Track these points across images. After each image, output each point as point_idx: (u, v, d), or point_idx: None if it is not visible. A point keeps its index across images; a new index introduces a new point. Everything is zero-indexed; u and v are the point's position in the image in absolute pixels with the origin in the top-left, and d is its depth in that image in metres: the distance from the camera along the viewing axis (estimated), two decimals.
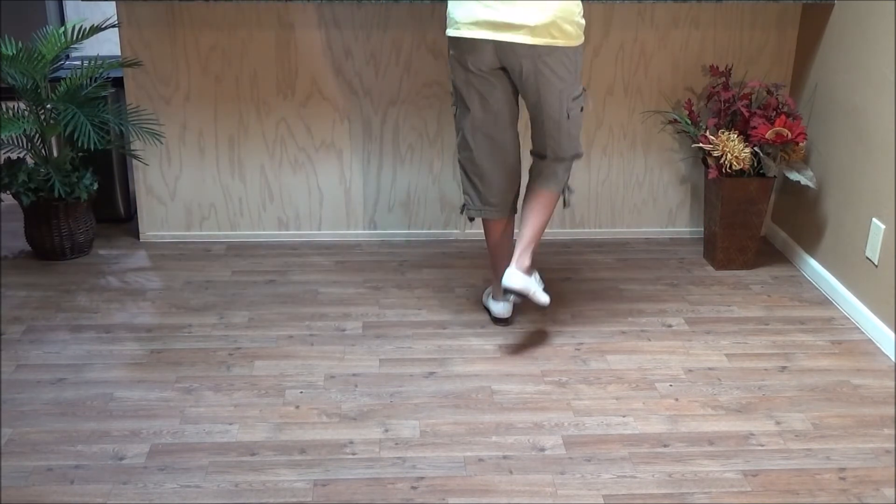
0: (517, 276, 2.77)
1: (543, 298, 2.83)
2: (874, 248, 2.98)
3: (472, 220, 3.02)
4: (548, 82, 2.68)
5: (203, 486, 2.21)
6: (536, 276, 3.02)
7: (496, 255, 3.00)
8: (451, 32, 2.69)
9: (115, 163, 3.77)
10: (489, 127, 2.81)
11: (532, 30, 2.59)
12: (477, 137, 2.83)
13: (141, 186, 3.62)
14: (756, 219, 3.40)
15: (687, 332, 3.01)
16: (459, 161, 2.93)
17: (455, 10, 2.67)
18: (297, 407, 2.55)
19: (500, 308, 3.01)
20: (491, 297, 3.07)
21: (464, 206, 2.99)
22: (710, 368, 2.79)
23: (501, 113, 2.80)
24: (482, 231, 3.73)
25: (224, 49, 3.45)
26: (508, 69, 2.70)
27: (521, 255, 2.81)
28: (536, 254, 2.99)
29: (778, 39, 3.55)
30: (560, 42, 2.63)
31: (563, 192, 2.92)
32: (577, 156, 2.89)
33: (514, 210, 2.98)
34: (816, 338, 3.00)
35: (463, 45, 2.68)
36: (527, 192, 2.92)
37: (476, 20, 2.62)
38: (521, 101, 2.85)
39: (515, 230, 3.08)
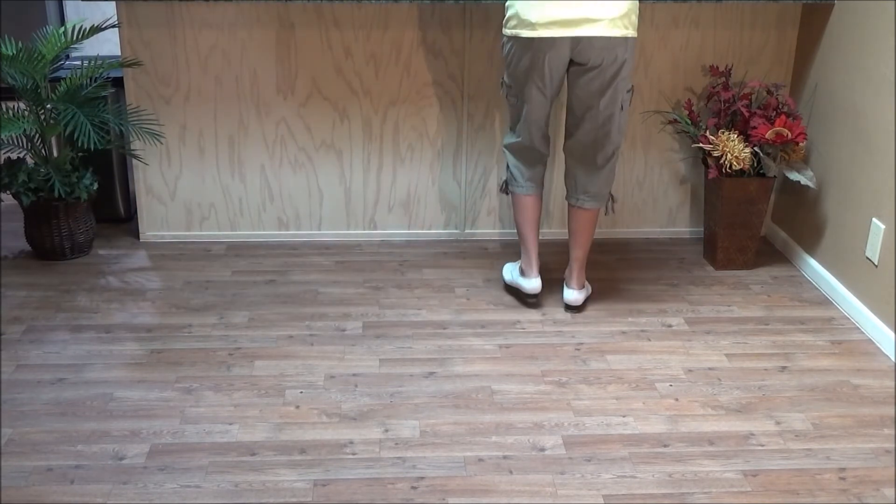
0: (580, 294, 3.12)
1: (589, 289, 3.23)
2: (874, 248, 2.98)
3: (508, 194, 3.15)
4: (616, 73, 2.80)
5: (203, 486, 2.21)
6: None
7: (529, 229, 3.10)
8: (524, 33, 2.74)
9: (115, 163, 3.77)
10: (541, 116, 2.94)
11: (611, 21, 2.72)
12: (531, 128, 2.96)
13: (141, 186, 3.62)
14: (756, 219, 3.40)
15: (687, 332, 3.01)
16: (508, 145, 3.07)
17: (528, 12, 2.72)
18: (297, 407, 2.55)
19: (534, 284, 3.10)
20: (520, 273, 3.14)
21: (505, 182, 3.14)
22: (710, 368, 2.79)
23: (552, 102, 2.92)
24: (482, 231, 3.74)
25: (224, 49, 3.45)
26: (580, 62, 2.79)
27: (580, 275, 3.12)
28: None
29: (778, 39, 3.55)
30: (630, 33, 2.76)
31: (607, 201, 3.12)
32: (617, 151, 3.00)
33: (543, 184, 3.13)
34: (816, 338, 3.00)
35: (538, 45, 2.75)
36: (573, 212, 3.08)
37: (553, 19, 2.70)
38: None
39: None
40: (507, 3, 2.80)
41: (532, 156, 3.04)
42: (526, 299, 3.16)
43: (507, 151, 3.10)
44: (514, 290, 3.23)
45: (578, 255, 3.09)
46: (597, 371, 2.76)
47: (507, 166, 3.12)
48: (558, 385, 2.68)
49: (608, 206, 3.13)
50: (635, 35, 2.78)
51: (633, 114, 3.61)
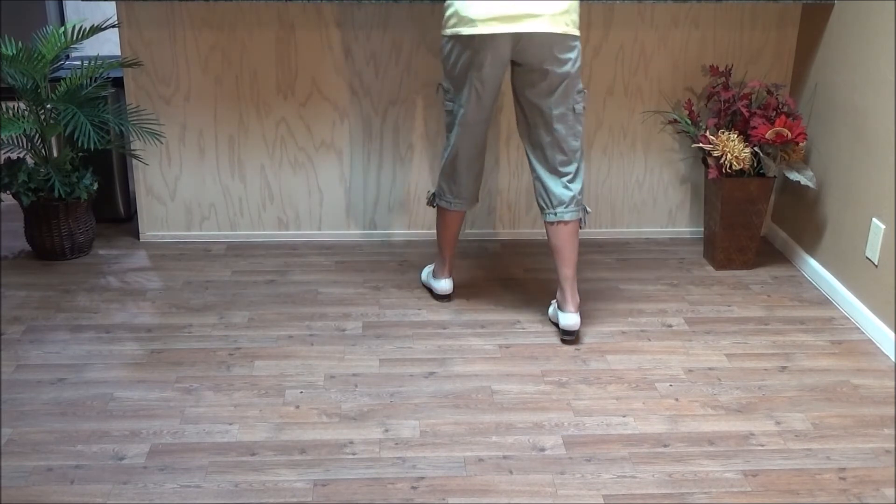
0: (578, 317, 2.91)
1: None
2: (874, 248, 2.98)
3: (434, 206, 3.10)
4: (561, 72, 2.73)
5: (203, 486, 2.21)
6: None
7: (448, 239, 3.10)
8: (465, 31, 2.67)
9: (115, 163, 3.77)
10: (478, 122, 2.86)
11: (552, 18, 2.65)
12: (466, 133, 2.88)
13: (141, 186, 3.62)
14: (756, 219, 3.40)
15: (687, 332, 3.01)
16: (446, 157, 2.97)
17: (467, 9, 2.66)
18: (297, 407, 2.55)
19: (444, 286, 3.16)
20: (433, 275, 3.21)
21: (434, 195, 3.07)
22: (710, 368, 2.79)
23: (489, 107, 2.85)
24: (481, 231, 3.74)
25: (224, 49, 3.45)
26: (521, 61, 2.73)
27: (575, 295, 2.91)
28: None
29: (778, 39, 3.55)
30: (571, 30, 2.70)
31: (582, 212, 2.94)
32: (577, 157, 2.86)
33: (477, 200, 3.08)
34: (816, 338, 3.00)
35: (479, 43, 2.68)
36: (553, 228, 2.90)
37: (494, 15, 2.64)
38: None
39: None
40: (447, 3, 2.72)
41: (463, 167, 2.94)
42: (437, 299, 3.19)
43: (442, 161, 2.99)
44: (427, 289, 3.28)
45: (568, 273, 2.90)
46: (597, 371, 2.76)
47: (439, 177, 3.03)
48: (558, 385, 2.68)
49: (583, 220, 2.93)
50: (578, 34, 2.72)
51: (633, 114, 3.62)
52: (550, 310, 3.05)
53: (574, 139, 2.84)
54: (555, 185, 2.88)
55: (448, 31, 2.74)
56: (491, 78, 2.76)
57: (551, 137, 2.83)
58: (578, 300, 2.93)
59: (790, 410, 2.58)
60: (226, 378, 2.69)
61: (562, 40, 2.69)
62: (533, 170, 2.92)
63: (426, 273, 3.29)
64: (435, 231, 3.33)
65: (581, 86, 2.81)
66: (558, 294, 2.96)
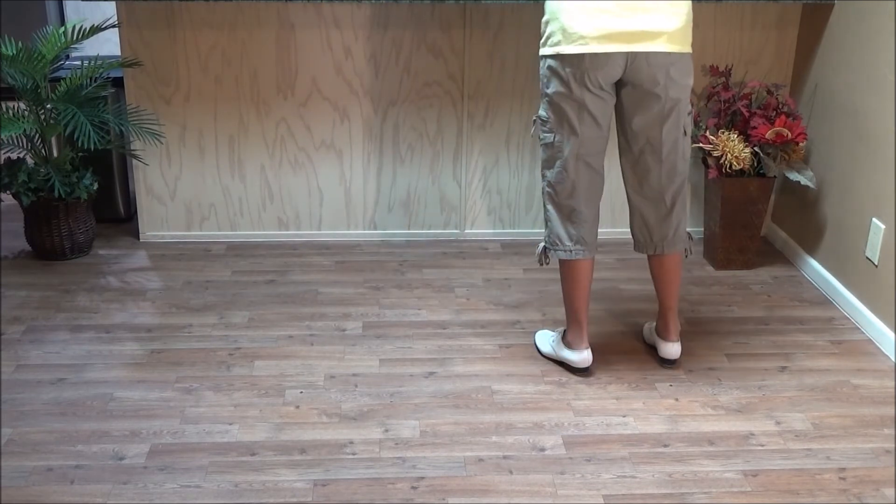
0: (679, 347, 2.78)
1: None
2: (874, 248, 2.98)
3: (547, 263, 2.69)
4: (676, 94, 2.48)
5: (203, 486, 2.21)
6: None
7: (579, 298, 2.68)
8: (574, 49, 2.39)
9: (115, 163, 3.77)
10: (592, 153, 2.55)
11: (670, 36, 2.41)
12: (579, 167, 2.55)
13: (141, 186, 3.62)
14: (756, 219, 3.40)
15: (687, 332, 3.01)
16: (553, 199, 2.61)
17: (576, 24, 2.38)
18: (297, 407, 2.55)
19: (585, 356, 2.71)
20: (565, 345, 2.75)
21: (546, 248, 2.67)
22: (710, 368, 2.79)
23: (604, 135, 2.55)
24: (482, 231, 3.73)
25: (224, 49, 3.45)
26: (634, 83, 2.46)
27: (676, 324, 2.77)
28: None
29: (778, 39, 3.55)
30: (687, 49, 2.47)
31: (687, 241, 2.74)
32: (685, 183, 2.64)
33: (597, 247, 2.71)
34: (816, 338, 3.00)
35: (589, 62, 2.40)
36: (655, 261, 2.72)
37: (608, 32, 2.37)
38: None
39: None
40: (547, 18, 2.45)
41: (582, 205, 2.60)
42: (576, 373, 2.75)
43: (548, 208, 2.63)
44: (556, 360, 2.82)
45: (672, 304, 2.74)
46: (596, 371, 2.76)
47: (548, 226, 2.64)
48: (558, 385, 2.68)
49: (688, 248, 2.71)
50: (691, 51, 2.48)
51: None
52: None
53: (683, 163, 2.58)
54: (656, 218, 2.64)
55: (550, 51, 2.45)
56: (609, 100, 2.50)
57: (660, 166, 2.56)
58: (679, 327, 2.80)
59: (790, 410, 2.58)
60: (226, 378, 2.69)
61: (679, 60, 2.45)
62: (629, 198, 2.67)
63: (548, 343, 2.83)
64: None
65: (690, 105, 2.57)
66: (659, 321, 2.80)
